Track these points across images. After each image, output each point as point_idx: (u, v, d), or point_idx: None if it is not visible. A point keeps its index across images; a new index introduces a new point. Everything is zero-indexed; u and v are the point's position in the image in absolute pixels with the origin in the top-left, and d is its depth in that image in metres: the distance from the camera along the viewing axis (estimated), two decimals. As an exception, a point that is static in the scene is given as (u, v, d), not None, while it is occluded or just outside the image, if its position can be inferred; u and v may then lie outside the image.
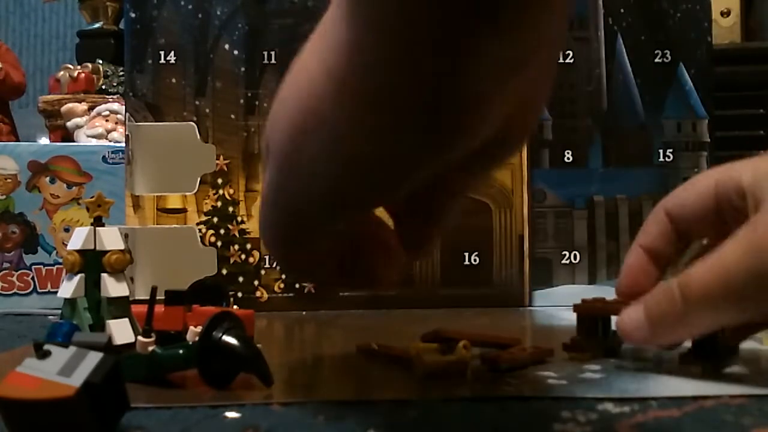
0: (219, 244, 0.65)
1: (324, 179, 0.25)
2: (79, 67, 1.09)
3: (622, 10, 0.67)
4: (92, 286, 0.40)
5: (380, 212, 0.31)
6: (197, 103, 0.65)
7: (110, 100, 0.99)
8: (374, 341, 0.41)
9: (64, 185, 0.69)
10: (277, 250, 0.29)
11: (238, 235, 0.65)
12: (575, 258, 0.66)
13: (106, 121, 0.93)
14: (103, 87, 1.08)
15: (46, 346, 0.26)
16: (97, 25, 1.22)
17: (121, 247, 0.41)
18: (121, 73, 1.05)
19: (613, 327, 0.42)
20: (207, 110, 0.65)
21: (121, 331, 0.39)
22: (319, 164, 0.25)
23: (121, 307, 0.40)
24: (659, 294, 0.34)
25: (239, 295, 0.64)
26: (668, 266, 0.39)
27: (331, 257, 0.29)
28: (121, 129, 0.90)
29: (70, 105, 1.00)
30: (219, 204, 0.65)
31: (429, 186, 0.28)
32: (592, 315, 0.41)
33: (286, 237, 0.28)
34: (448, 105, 0.22)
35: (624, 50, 0.67)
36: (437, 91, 0.21)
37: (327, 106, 0.23)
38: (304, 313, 0.63)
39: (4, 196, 0.68)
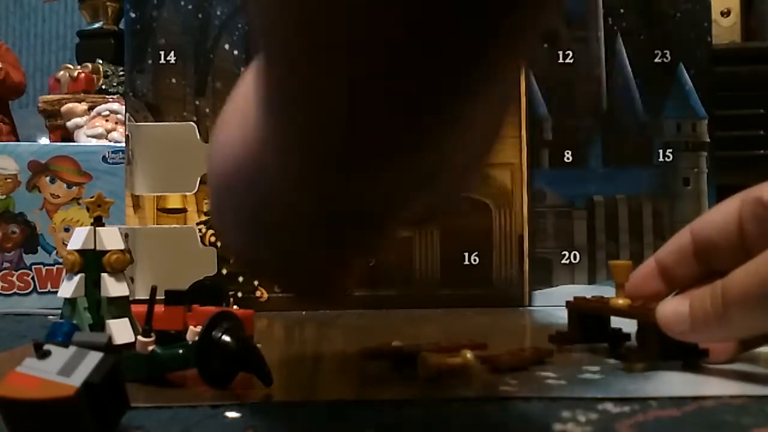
0: (219, 244, 0.65)
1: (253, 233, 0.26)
2: (79, 67, 1.10)
3: (622, 10, 0.67)
4: (92, 285, 0.40)
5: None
6: (197, 103, 0.65)
7: (110, 100, 0.99)
8: (377, 342, 0.41)
9: (64, 185, 0.69)
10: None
11: (238, 235, 0.65)
12: (575, 258, 0.66)
13: (106, 121, 0.93)
14: (103, 87, 1.08)
15: (46, 346, 0.26)
16: (97, 25, 1.22)
17: (121, 247, 0.41)
18: (121, 73, 1.05)
19: (612, 325, 0.42)
20: (207, 110, 0.65)
21: (121, 331, 0.39)
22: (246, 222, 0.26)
23: (121, 306, 0.40)
24: (704, 291, 0.34)
25: (239, 295, 0.64)
26: (678, 286, 0.39)
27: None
28: (121, 129, 0.90)
29: (70, 105, 1.00)
30: (219, 204, 0.65)
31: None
32: (582, 312, 0.42)
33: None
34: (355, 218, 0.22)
35: (624, 50, 0.67)
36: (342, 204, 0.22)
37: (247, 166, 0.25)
38: (304, 313, 0.63)
39: (4, 196, 0.68)
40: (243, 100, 0.25)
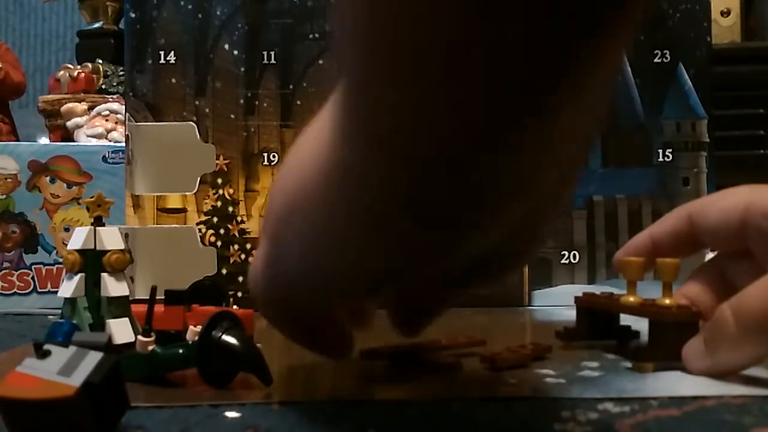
0: (219, 244, 0.65)
1: (309, 261, 0.25)
2: (79, 66, 1.09)
3: (621, 10, 0.67)
4: (92, 285, 0.40)
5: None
6: (197, 103, 0.65)
7: (110, 100, 0.99)
8: (377, 342, 0.41)
9: (64, 185, 0.69)
10: (266, 309, 0.31)
11: (238, 235, 0.65)
12: (574, 258, 0.66)
13: (106, 121, 0.93)
14: (103, 87, 1.08)
15: (46, 346, 0.26)
16: (97, 25, 1.22)
17: (121, 246, 0.41)
18: (121, 73, 1.05)
19: (621, 322, 0.42)
20: (207, 110, 0.65)
21: (121, 331, 0.39)
22: (306, 245, 0.25)
23: (121, 306, 0.40)
24: (714, 320, 0.33)
25: (239, 295, 0.64)
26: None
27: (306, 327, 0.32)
28: (121, 129, 0.90)
29: (70, 105, 1.00)
30: (219, 204, 0.65)
31: (419, 290, 0.29)
32: (590, 308, 0.42)
33: (275, 303, 0.30)
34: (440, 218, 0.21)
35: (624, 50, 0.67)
36: (431, 206, 0.21)
37: (315, 200, 0.24)
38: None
39: (4, 196, 0.68)
40: (318, 131, 0.24)
